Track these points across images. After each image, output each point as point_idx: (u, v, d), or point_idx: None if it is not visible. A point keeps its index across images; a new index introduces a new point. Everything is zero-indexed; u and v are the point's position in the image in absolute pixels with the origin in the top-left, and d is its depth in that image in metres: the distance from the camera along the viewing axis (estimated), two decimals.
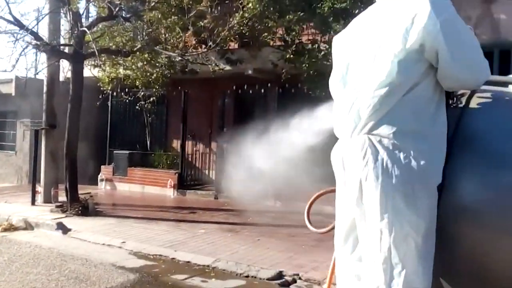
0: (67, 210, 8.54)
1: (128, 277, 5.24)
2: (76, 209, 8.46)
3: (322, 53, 8.84)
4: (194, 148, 12.61)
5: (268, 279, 5.17)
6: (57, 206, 8.86)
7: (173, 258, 5.96)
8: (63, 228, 7.49)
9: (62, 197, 9.20)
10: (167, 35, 9.66)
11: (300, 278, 5.18)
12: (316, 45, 9.06)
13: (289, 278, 5.18)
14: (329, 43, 8.96)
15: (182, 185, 11.76)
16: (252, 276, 5.28)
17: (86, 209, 8.54)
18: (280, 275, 5.23)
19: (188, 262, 5.82)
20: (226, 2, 10.34)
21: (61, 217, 8.14)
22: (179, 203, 10.74)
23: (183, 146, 12.02)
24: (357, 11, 8.01)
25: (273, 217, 8.60)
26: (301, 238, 6.84)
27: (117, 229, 7.41)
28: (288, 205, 9.25)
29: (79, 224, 7.72)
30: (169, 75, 10.46)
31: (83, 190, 9.81)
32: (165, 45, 9.63)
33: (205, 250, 6.20)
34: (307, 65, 8.68)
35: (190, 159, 12.47)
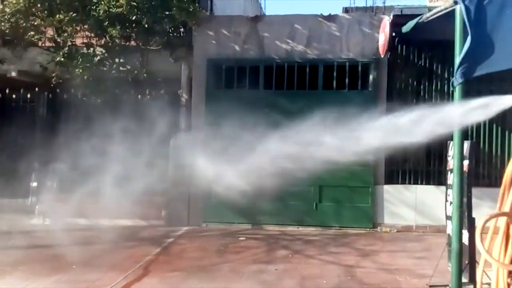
0: None
1: None
2: None
3: (98, 57, 8.40)
4: None
5: None
6: None
7: None
8: None
9: None
10: None
11: None
12: (92, 49, 8.56)
13: None
14: (105, 47, 8.55)
15: None
16: None
17: None
18: None
19: None
20: None
21: None
22: None
23: None
24: (134, 18, 7.87)
25: (40, 237, 7.65)
26: (72, 257, 6.20)
27: None
28: (59, 222, 8.38)
29: None
30: None
31: None
32: None
33: None
34: (81, 70, 8.11)
35: None
